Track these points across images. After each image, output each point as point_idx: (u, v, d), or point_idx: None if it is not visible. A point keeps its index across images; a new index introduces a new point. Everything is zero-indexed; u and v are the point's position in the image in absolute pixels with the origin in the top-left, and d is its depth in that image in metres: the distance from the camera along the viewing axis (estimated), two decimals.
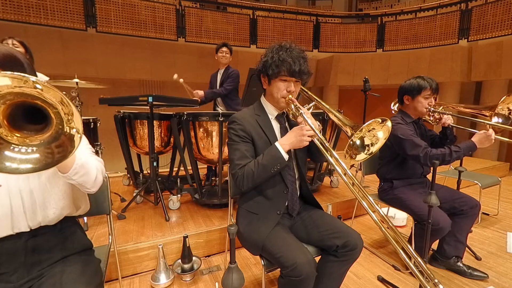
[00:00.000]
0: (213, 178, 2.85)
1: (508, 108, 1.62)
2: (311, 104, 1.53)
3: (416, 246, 1.59)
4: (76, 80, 2.41)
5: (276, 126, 1.25)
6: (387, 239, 0.87)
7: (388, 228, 0.95)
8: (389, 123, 1.18)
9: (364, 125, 1.17)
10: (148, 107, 2.15)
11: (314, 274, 1.02)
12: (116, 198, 2.50)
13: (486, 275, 1.66)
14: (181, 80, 2.97)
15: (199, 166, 2.46)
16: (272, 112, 1.25)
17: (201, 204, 2.38)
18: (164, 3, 5.88)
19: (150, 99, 2.02)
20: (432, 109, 1.66)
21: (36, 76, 0.82)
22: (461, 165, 2.12)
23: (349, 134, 1.19)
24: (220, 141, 2.14)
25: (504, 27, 5.28)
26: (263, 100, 1.28)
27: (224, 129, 2.10)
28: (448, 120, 1.67)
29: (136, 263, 1.72)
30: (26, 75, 0.53)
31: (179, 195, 2.31)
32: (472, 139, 1.54)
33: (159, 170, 2.57)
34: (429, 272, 0.86)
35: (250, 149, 1.17)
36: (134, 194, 2.33)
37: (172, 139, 2.68)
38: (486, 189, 2.38)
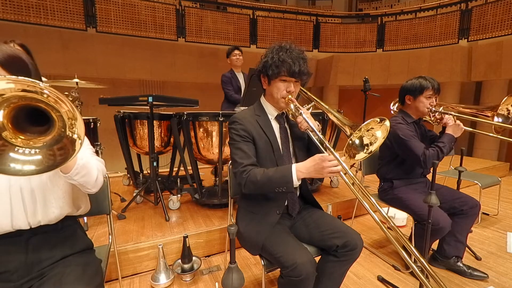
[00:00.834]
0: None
1: (507, 108, 1.63)
2: (310, 104, 1.53)
3: (416, 246, 1.59)
4: (76, 80, 2.41)
5: (275, 126, 1.25)
6: (388, 239, 0.87)
7: (388, 228, 0.95)
8: (387, 123, 1.19)
9: (363, 125, 1.17)
10: (148, 107, 2.15)
11: (314, 274, 1.02)
12: (116, 198, 2.50)
13: (486, 275, 1.65)
14: None
15: (200, 166, 2.46)
16: (272, 112, 1.25)
17: (201, 204, 2.38)
18: (164, 3, 5.88)
19: (150, 99, 2.02)
20: (433, 109, 1.66)
21: (40, 76, 0.83)
22: (461, 165, 2.12)
23: (348, 133, 1.20)
24: (220, 141, 2.13)
25: (504, 27, 5.29)
26: (262, 100, 1.28)
27: (224, 129, 2.10)
28: (449, 120, 1.67)
29: (136, 263, 1.72)
30: (36, 81, 0.54)
31: (179, 195, 2.31)
32: (447, 131, 1.63)
33: (159, 170, 2.57)
34: (431, 271, 0.86)
35: (252, 148, 1.17)
36: (134, 194, 2.33)
37: (172, 139, 2.68)
38: (486, 189, 2.38)
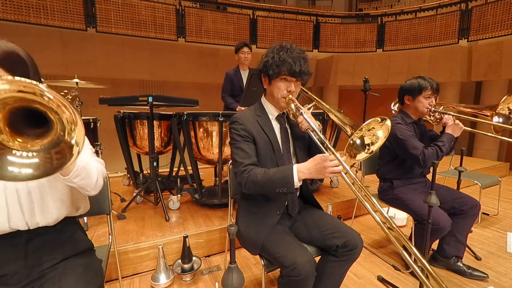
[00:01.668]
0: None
1: (508, 108, 1.62)
2: (311, 104, 1.53)
3: (416, 246, 1.58)
4: (76, 80, 2.41)
5: (276, 126, 1.25)
6: (387, 239, 0.86)
7: (389, 228, 0.95)
8: (388, 122, 1.18)
9: (363, 124, 1.17)
10: (148, 107, 2.15)
11: (313, 274, 1.02)
12: (116, 198, 2.50)
13: (486, 275, 1.66)
14: None
15: (200, 166, 2.46)
16: (272, 112, 1.25)
17: (201, 204, 2.38)
18: (164, 3, 5.88)
19: (150, 99, 2.02)
20: (432, 109, 1.66)
21: (39, 73, 0.80)
22: (461, 165, 2.12)
23: (349, 133, 1.20)
24: (220, 141, 2.13)
25: (504, 27, 5.29)
26: (263, 100, 1.28)
27: (224, 129, 2.10)
28: (449, 120, 1.67)
29: (136, 263, 1.72)
30: (36, 82, 0.53)
31: (179, 195, 2.31)
32: (446, 131, 1.62)
33: (159, 170, 2.57)
34: (431, 271, 0.85)
35: (252, 148, 1.17)
36: (134, 194, 2.32)
37: (172, 139, 2.68)
38: (486, 189, 2.38)
